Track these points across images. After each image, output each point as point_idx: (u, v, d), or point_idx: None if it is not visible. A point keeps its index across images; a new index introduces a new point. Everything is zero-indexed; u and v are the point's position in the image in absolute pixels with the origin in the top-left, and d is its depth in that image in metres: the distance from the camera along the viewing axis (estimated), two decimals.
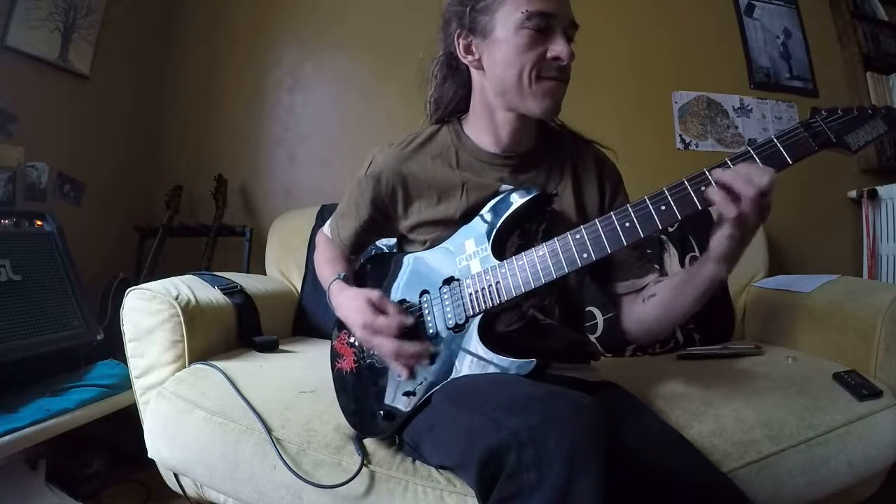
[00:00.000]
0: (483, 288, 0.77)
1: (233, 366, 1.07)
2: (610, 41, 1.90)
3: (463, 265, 0.81)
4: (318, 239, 1.04)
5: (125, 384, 1.22)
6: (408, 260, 0.88)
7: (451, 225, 0.85)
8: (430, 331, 0.81)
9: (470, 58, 0.82)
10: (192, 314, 1.09)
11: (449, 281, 0.81)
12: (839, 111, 0.65)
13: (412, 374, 0.79)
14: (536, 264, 0.74)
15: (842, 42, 2.04)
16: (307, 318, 1.58)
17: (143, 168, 2.07)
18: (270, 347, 1.27)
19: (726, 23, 2.01)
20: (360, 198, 0.90)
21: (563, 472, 0.52)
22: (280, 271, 1.68)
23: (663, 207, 0.67)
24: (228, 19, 2.11)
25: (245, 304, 1.29)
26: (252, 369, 1.09)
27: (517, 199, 0.80)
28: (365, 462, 0.80)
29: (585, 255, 0.71)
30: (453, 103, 0.90)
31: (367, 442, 0.84)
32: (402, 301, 0.85)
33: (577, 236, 0.72)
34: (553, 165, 0.88)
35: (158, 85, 2.12)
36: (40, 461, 1.22)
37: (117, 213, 1.95)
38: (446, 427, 0.73)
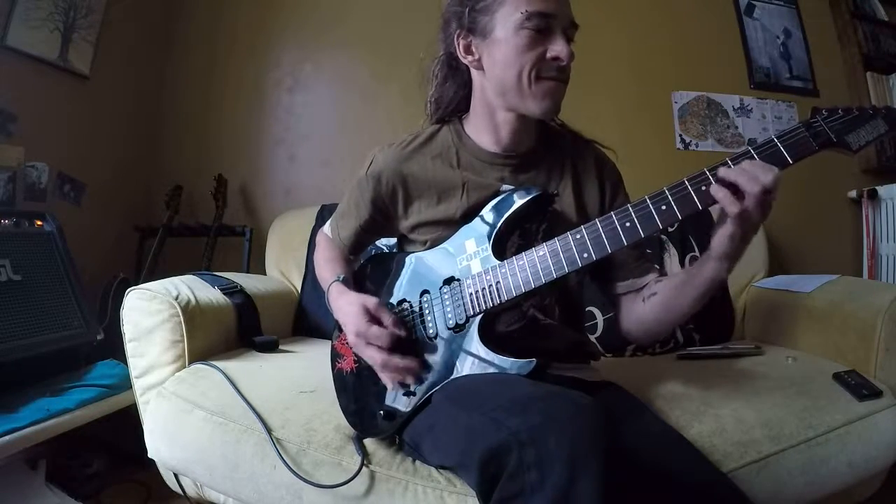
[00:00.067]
0: (483, 288, 0.77)
1: (233, 366, 1.07)
2: (610, 41, 1.90)
3: (463, 265, 0.81)
4: (319, 238, 1.04)
5: (125, 384, 1.22)
6: (408, 260, 0.88)
7: (451, 225, 0.85)
8: (431, 331, 0.81)
9: (470, 58, 0.82)
10: (192, 314, 1.09)
11: (449, 281, 0.81)
12: (840, 111, 0.65)
13: (401, 387, 0.80)
14: (537, 264, 0.73)
15: (842, 42, 2.04)
16: (307, 318, 1.58)
17: (143, 168, 2.07)
18: (270, 347, 1.27)
19: (726, 23, 2.01)
20: (361, 198, 0.90)
21: (564, 472, 0.52)
22: (280, 271, 1.68)
23: (664, 207, 0.67)
24: (228, 19, 2.12)
25: (245, 304, 1.29)
26: (252, 369, 1.09)
27: (518, 200, 0.80)
28: (365, 462, 0.80)
29: (586, 255, 0.71)
30: (454, 103, 0.90)
31: (367, 442, 0.84)
32: (403, 301, 0.85)
33: (578, 236, 0.72)
34: (553, 165, 0.88)
35: (158, 85, 2.12)
36: (40, 461, 1.22)
37: (117, 213, 1.95)
38: (446, 427, 0.73)
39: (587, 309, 1.42)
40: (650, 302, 0.82)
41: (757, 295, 1.51)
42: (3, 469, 1.12)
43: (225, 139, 2.08)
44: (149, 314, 1.06)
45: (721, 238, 0.66)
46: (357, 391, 0.87)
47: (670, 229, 1.55)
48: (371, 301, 0.81)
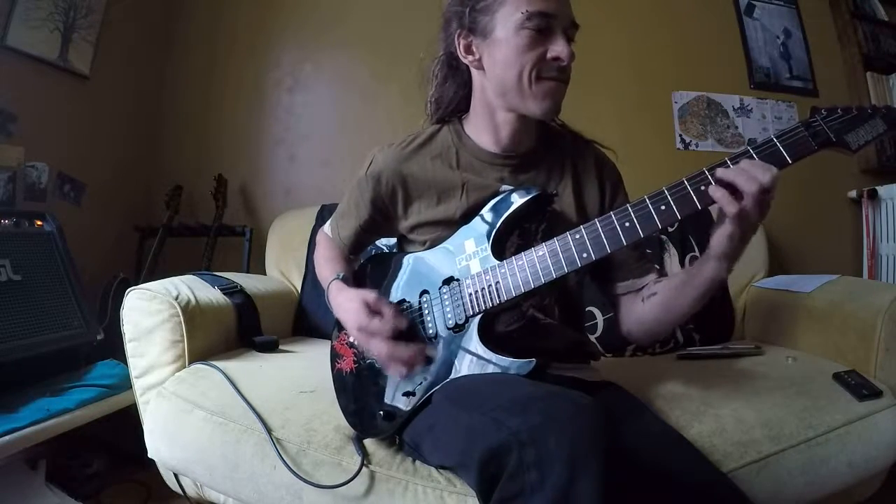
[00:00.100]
0: (483, 288, 0.77)
1: (233, 366, 1.07)
2: (610, 41, 1.90)
3: (463, 265, 0.81)
4: (319, 238, 1.04)
5: (125, 384, 1.22)
6: (408, 260, 0.88)
7: (451, 225, 0.85)
8: (430, 331, 0.80)
9: (470, 58, 0.82)
10: (192, 314, 1.09)
11: (449, 281, 0.81)
12: (839, 110, 0.65)
13: (408, 376, 0.79)
14: (536, 264, 0.73)
15: (842, 42, 2.04)
16: (307, 318, 1.58)
17: (143, 168, 2.07)
18: (270, 347, 1.27)
19: (726, 23, 2.01)
20: (360, 198, 0.90)
21: (564, 472, 0.52)
22: (280, 271, 1.68)
23: (663, 207, 0.67)
24: (228, 19, 2.11)
25: (245, 304, 1.29)
26: (252, 369, 1.09)
27: (517, 199, 0.80)
28: (365, 462, 0.80)
29: (585, 255, 0.71)
30: (454, 103, 0.90)
31: (367, 442, 0.84)
32: (402, 301, 0.85)
33: (577, 236, 0.72)
34: (553, 165, 0.88)
35: (158, 85, 2.12)
36: (40, 461, 1.22)
37: (117, 213, 1.95)
38: (446, 427, 0.73)
39: (587, 309, 1.42)
40: (650, 302, 0.82)
41: (757, 295, 1.51)
42: (3, 469, 1.12)
43: (225, 139, 2.08)
44: (149, 314, 1.06)
45: (720, 238, 0.66)
46: (357, 391, 0.87)
47: (670, 229, 1.55)
48: (371, 295, 0.81)
